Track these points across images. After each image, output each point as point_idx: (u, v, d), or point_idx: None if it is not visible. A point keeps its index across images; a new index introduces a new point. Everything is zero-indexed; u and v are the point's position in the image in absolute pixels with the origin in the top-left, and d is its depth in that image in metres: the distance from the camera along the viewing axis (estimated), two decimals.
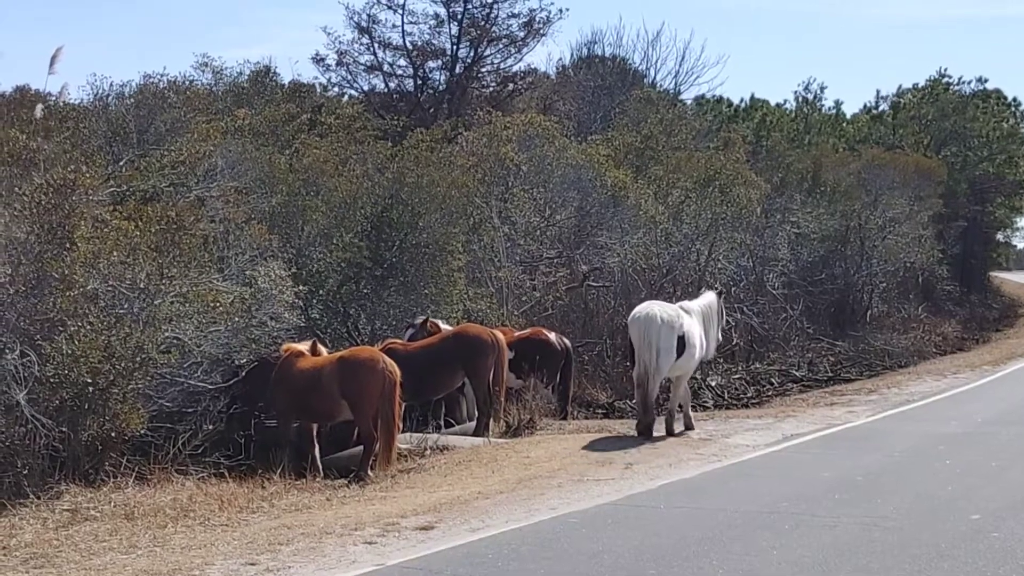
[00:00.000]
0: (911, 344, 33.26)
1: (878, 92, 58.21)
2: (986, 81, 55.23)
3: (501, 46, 41.00)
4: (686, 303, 18.39)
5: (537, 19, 40.39)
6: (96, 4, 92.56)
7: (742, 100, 52.99)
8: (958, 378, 26.00)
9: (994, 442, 16.66)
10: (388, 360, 15.07)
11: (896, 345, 32.38)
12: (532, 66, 42.73)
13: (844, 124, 54.43)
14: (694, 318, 17.70)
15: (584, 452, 15.56)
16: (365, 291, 19.94)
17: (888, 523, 11.14)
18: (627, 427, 18.43)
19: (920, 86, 54.86)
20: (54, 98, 20.70)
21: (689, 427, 17.94)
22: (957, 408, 20.75)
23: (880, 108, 55.64)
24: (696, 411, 20.86)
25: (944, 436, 17.16)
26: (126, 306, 14.08)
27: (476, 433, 17.22)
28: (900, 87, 55.85)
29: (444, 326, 18.43)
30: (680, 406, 18.01)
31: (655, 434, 17.05)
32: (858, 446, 16.50)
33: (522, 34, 40.77)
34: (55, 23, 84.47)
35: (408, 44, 40.18)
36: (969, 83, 54.82)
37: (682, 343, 17.04)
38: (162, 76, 23.27)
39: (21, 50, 79.50)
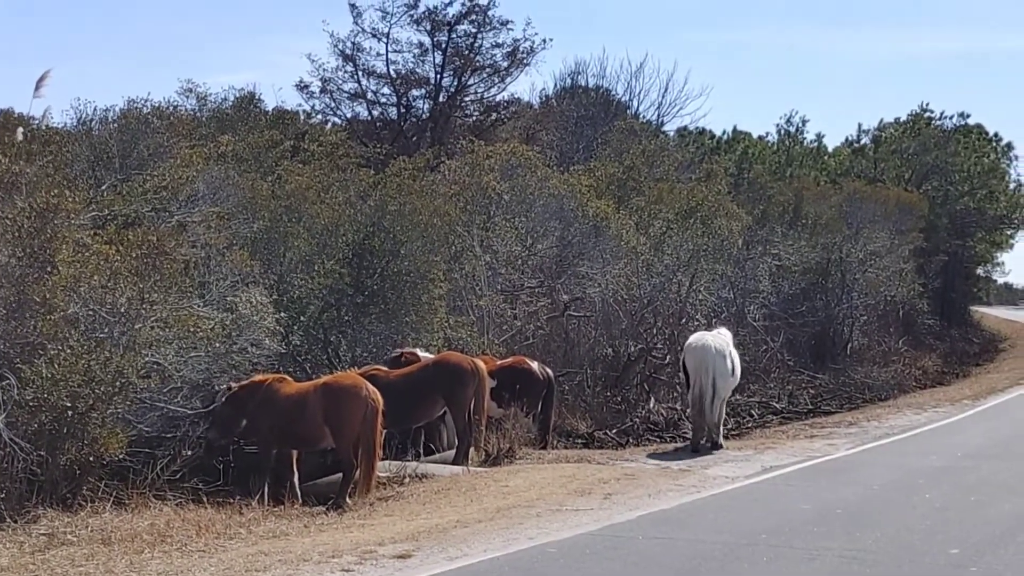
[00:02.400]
0: (891, 377, 33.22)
1: (860, 126, 58.60)
2: (968, 116, 55.54)
3: (485, 75, 41.19)
4: (721, 330, 20.41)
5: (521, 49, 40.65)
6: (81, 29, 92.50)
7: (724, 132, 53.21)
8: (938, 412, 26.02)
9: (973, 476, 16.68)
10: (371, 387, 15.05)
11: (876, 378, 32.34)
12: (515, 96, 42.95)
13: (826, 157, 54.57)
14: (730, 344, 19.65)
15: (563, 482, 15.53)
16: (346, 318, 19.89)
17: (867, 556, 11.15)
18: (607, 457, 18.44)
19: (902, 120, 55.05)
20: (37, 122, 20.68)
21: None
22: (937, 442, 20.77)
23: (862, 142, 55.85)
24: (676, 441, 20.93)
25: (924, 470, 17.18)
26: (106, 330, 14.05)
27: (455, 462, 17.17)
28: (882, 121, 56.07)
29: (424, 355, 18.38)
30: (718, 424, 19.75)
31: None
32: (838, 479, 16.51)
33: (506, 64, 40.97)
34: (38, 47, 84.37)
35: (392, 72, 40.41)
36: (951, 118, 55.09)
37: (733, 367, 19.18)
38: (146, 101, 23.23)
39: (3, 74, 79.35)
